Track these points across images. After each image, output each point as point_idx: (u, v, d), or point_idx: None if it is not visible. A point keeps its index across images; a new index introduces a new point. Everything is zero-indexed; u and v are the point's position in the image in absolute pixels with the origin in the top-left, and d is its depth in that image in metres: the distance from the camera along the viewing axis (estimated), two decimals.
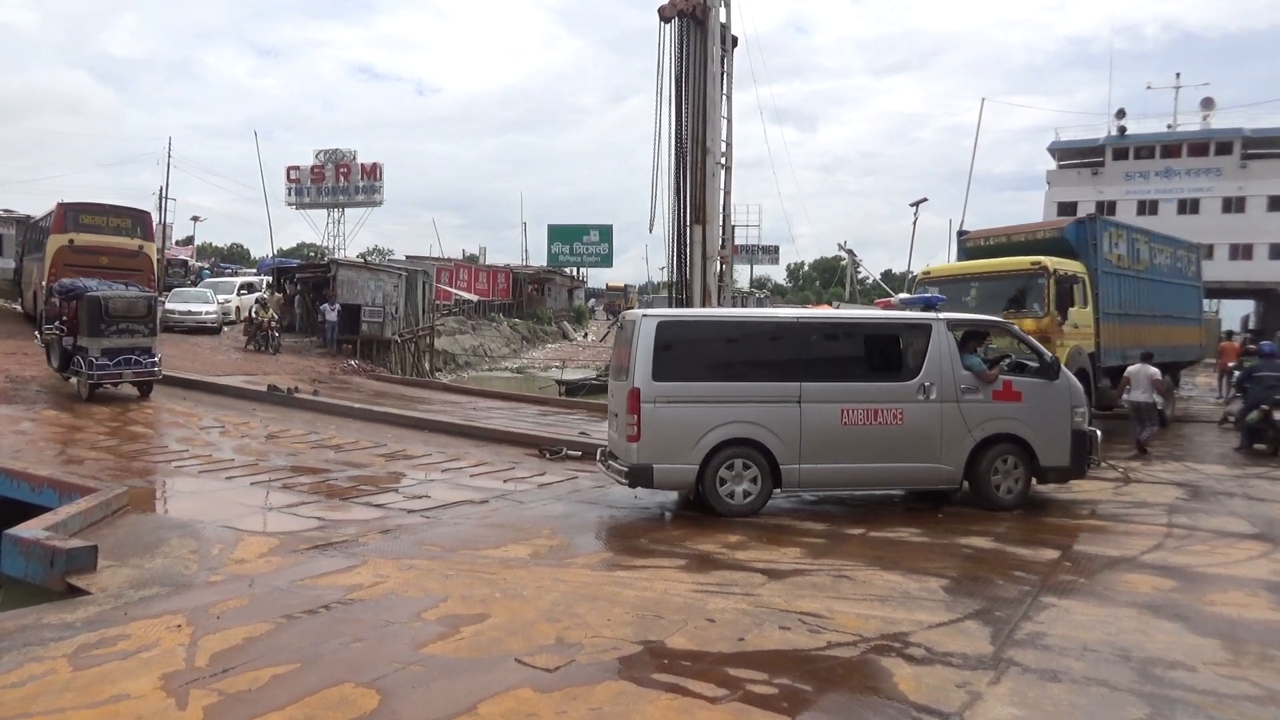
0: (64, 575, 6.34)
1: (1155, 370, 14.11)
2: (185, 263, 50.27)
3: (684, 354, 9.03)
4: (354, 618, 5.61)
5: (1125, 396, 14.22)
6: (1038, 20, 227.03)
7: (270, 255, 56.47)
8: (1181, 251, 19.78)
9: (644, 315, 9.16)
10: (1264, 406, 14.01)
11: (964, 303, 14.26)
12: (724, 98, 12.88)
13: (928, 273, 16.68)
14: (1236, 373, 16.48)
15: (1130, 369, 14.29)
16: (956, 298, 14.14)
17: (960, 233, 19.43)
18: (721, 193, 12.91)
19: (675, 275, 13.02)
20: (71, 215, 21.73)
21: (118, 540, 7.35)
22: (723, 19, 12.87)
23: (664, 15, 12.55)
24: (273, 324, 26.46)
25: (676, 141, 12.50)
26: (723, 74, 12.87)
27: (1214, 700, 4.57)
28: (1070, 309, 14.26)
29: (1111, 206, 48.65)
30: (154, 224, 22.78)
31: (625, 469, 8.90)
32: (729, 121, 13.02)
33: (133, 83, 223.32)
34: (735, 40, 13.26)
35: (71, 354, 15.91)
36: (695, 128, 12.51)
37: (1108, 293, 15.48)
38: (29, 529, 6.94)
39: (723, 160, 12.88)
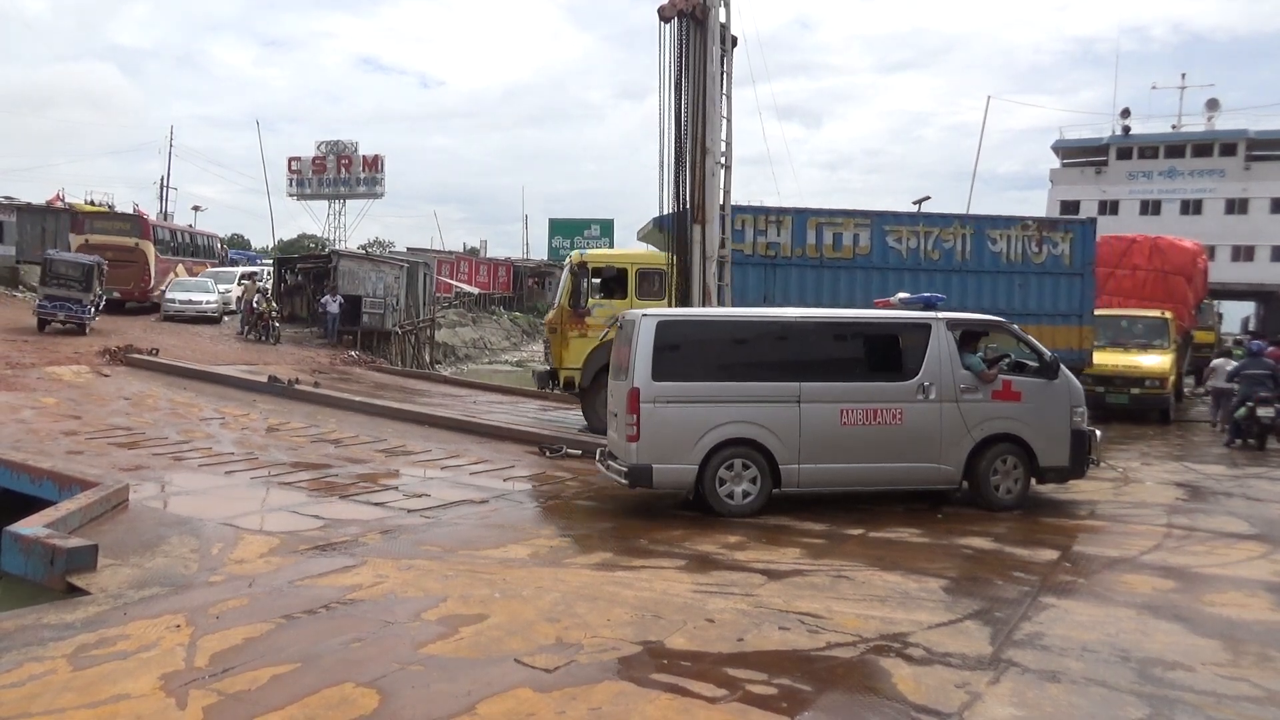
0: (64, 574, 6.33)
1: (1234, 363, 16.66)
2: None
3: (684, 354, 9.03)
4: (354, 618, 5.62)
5: (1209, 383, 17.34)
6: (1045, 20, 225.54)
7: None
8: (1011, 231, 16.04)
9: (644, 315, 9.14)
10: (1249, 403, 14.44)
11: None
12: (724, 97, 12.82)
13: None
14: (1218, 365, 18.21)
15: (1214, 361, 17.91)
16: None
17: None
18: (721, 192, 12.83)
19: (674, 275, 13.00)
20: (88, 221, 30.30)
21: (117, 538, 7.35)
22: (722, 19, 12.78)
23: (663, 15, 12.46)
24: (273, 314, 26.57)
25: (676, 141, 12.44)
26: (722, 74, 12.77)
27: (1213, 701, 4.59)
28: (614, 300, 14.77)
29: (1115, 206, 48.69)
30: (150, 225, 30.22)
31: (625, 469, 8.89)
32: (729, 121, 12.97)
33: (140, 72, 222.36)
34: (735, 40, 13.17)
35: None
36: (695, 127, 12.44)
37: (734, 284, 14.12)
38: (29, 526, 6.91)
39: (722, 160, 12.82)
